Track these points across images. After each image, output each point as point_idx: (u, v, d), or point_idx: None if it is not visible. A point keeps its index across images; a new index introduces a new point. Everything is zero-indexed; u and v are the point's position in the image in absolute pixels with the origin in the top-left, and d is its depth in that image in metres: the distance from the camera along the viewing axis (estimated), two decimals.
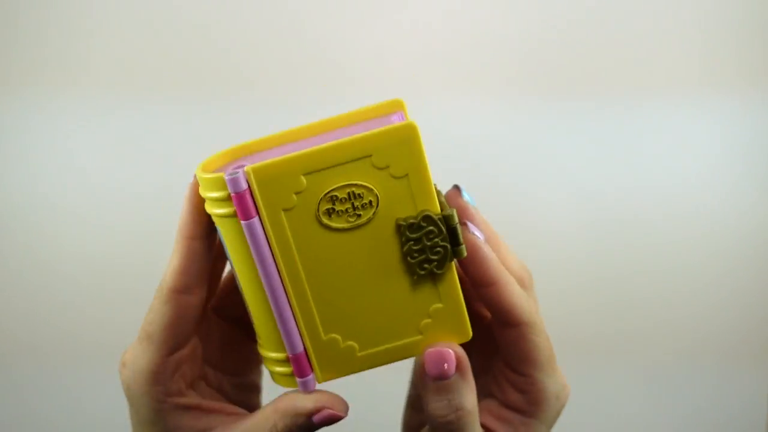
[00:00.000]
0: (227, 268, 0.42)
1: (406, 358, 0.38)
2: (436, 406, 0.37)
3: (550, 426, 0.41)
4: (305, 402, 0.37)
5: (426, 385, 0.38)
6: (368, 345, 0.37)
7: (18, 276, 0.66)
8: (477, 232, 0.37)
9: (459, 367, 0.37)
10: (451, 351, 0.37)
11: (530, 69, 0.66)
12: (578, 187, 0.68)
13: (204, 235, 0.38)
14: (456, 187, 0.39)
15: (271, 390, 0.41)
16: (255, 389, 0.45)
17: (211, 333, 0.42)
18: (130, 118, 0.66)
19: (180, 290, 0.38)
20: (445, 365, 0.37)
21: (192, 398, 0.40)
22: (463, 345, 0.42)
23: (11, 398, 0.69)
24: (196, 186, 0.37)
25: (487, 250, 0.37)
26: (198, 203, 0.37)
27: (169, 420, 0.39)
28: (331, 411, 0.36)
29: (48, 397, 0.68)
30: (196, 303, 0.38)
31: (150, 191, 0.66)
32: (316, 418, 0.36)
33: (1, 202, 0.66)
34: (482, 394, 0.41)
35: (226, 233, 0.36)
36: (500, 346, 0.40)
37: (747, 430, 0.72)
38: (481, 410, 0.41)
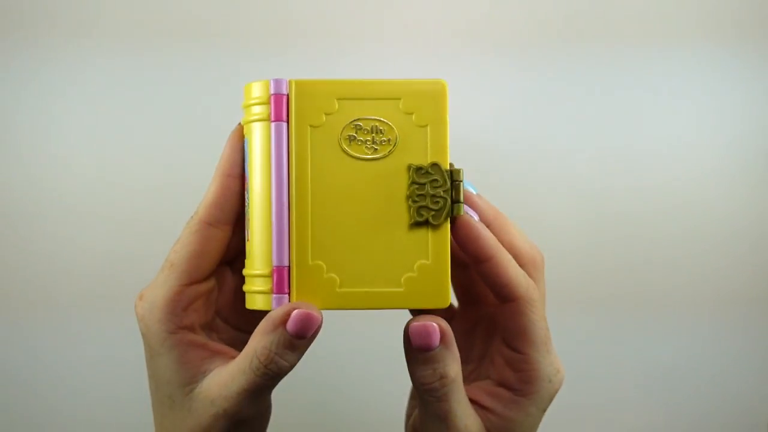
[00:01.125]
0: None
1: (381, 308, 0.39)
2: (422, 374, 0.38)
3: (542, 409, 0.40)
4: (275, 312, 0.37)
5: (412, 355, 0.38)
6: (349, 283, 0.38)
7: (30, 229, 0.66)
8: (471, 212, 0.40)
9: (443, 339, 0.38)
10: (435, 325, 0.38)
11: (524, 29, 0.68)
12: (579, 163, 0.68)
13: (239, 175, 0.40)
14: None
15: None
16: None
17: (225, 285, 0.43)
18: (145, 70, 0.66)
19: (210, 222, 0.40)
20: (430, 339, 0.38)
21: (201, 337, 0.40)
22: (467, 332, 0.43)
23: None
24: (239, 130, 0.41)
25: (480, 228, 0.39)
26: (238, 145, 0.41)
27: (177, 351, 0.39)
28: (302, 310, 0.36)
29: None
30: (221, 238, 0.40)
31: (161, 144, 0.67)
32: (289, 326, 0.36)
33: (12, 155, 0.67)
34: (481, 377, 0.42)
35: (253, 140, 0.39)
36: (498, 323, 0.41)
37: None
38: (474, 388, 0.41)
